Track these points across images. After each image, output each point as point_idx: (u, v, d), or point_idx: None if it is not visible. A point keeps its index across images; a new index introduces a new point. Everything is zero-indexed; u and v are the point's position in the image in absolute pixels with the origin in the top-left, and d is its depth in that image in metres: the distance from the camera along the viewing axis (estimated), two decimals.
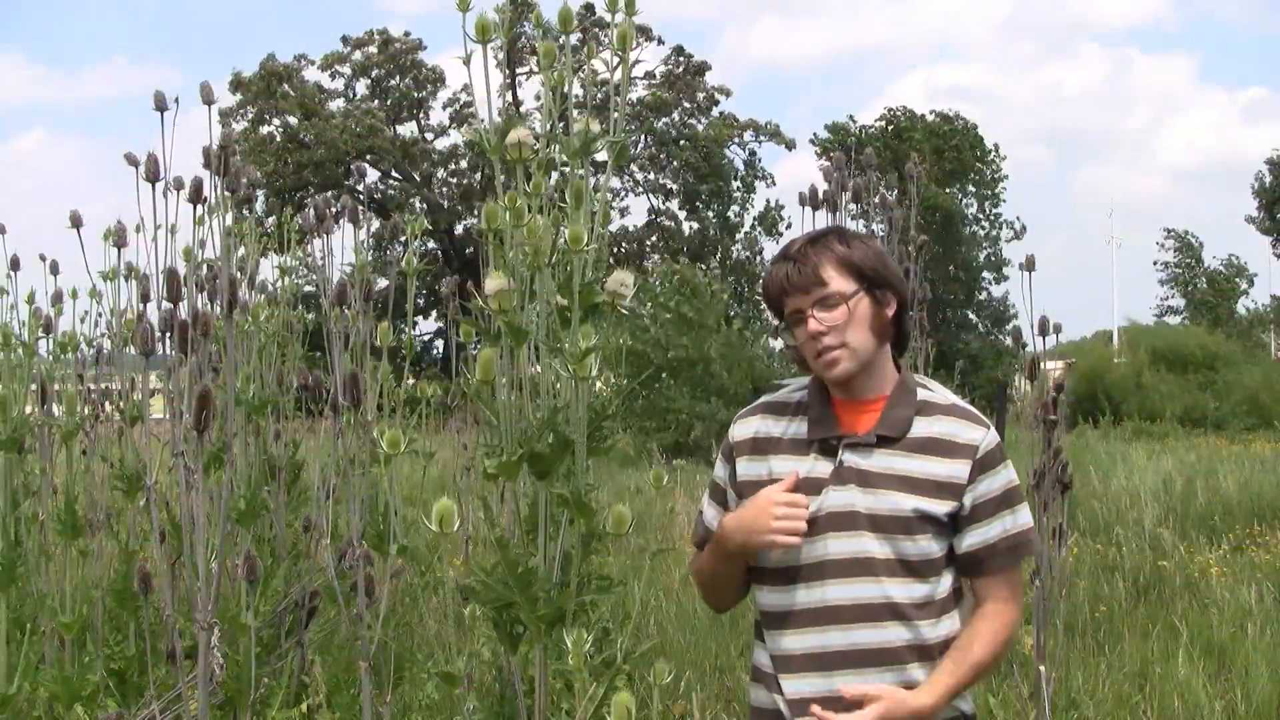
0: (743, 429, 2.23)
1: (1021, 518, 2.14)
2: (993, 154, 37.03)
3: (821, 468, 2.12)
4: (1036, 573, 3.70)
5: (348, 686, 3.75)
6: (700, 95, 38.72)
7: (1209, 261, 41.77)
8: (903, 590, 2.07)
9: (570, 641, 2.11)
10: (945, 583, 2.12)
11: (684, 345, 18.40)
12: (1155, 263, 42.66)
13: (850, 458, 2.11)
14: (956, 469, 2.09)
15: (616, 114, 2.30)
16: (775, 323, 2.21)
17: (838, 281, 2.09)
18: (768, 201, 39.16)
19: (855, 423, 2.14)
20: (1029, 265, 3.99)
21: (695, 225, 38.67)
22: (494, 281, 2.22)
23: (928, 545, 2.08)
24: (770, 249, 38.93)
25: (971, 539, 2.11)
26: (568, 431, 2.21)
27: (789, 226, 38.56)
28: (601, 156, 2.36)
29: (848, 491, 2.09)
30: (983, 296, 36.41)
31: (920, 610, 2.08)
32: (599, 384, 2.40)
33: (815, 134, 38.07)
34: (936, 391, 2.19)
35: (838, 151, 4.20)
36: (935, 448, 2.10)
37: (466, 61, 2.29)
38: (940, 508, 2.08)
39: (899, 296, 2.16)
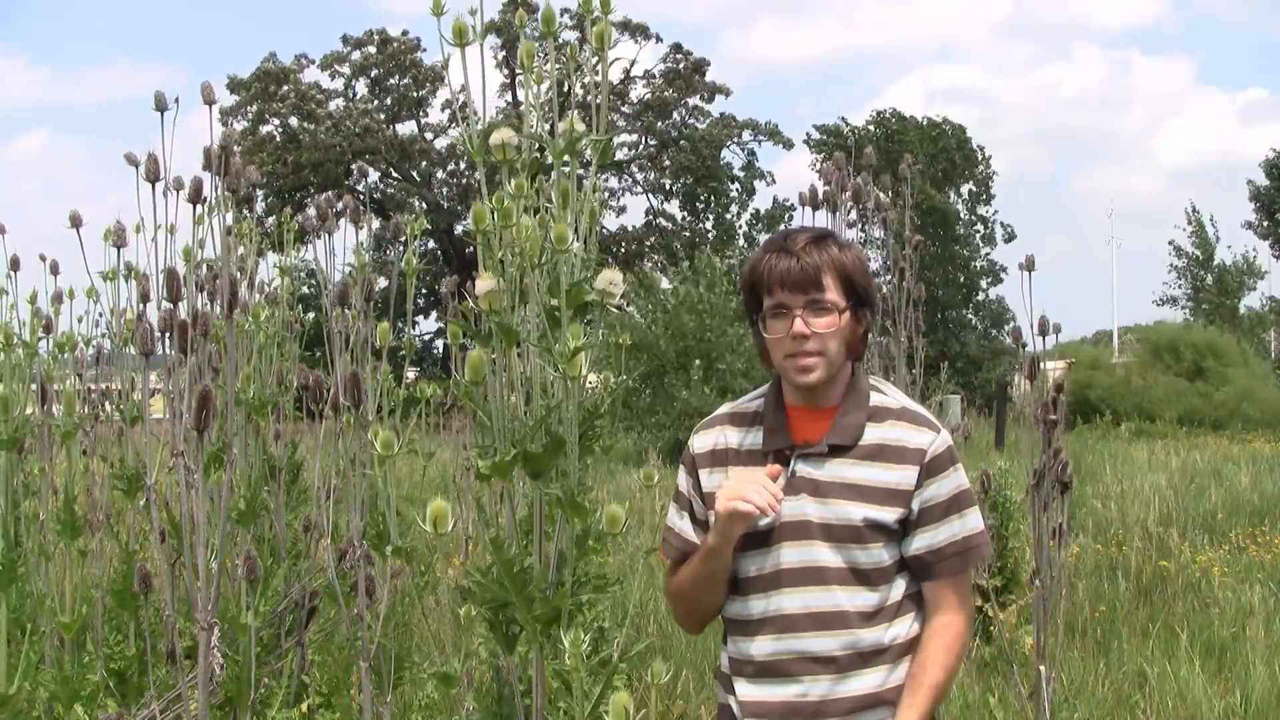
0: (703, 441, 2.23)
1: (970, 522, 2.14)
2: (979, 154, 37.25)
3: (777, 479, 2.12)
4: (1036, 573, 3.70)
5: (348, 687, 3.76)
6: (700, 94, 38.78)
7: (1223, 256, 41.34)
8: (853, 599, 2.09)
9: (568, 641, 2.12)
10: (898, 588, 2.13)
11: (690, 333, 18.38)
12: (1170, 242, 41.95)
13: (803, 467, 2.12)
14: (905, 475, 2.09)
15: (601, 111, 2.30)
16: (748, 311, 2.18)
17: (833, 291, 2.09)
18: (774, 199, 39.32)
19: (809, 431, 2.14)
20: (1028, 265, 3.99)
21: (694, 227, 38.76)
22: (483, 282, 2.22)
23: (879, 554, 2.09)
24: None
25: (919, 543, 2.11)
26: (561, 431, 2.21)
27: (790, 220, 38.77)
28: (590, 155, 2.36)
29: (800, 501, 2.10)
30: (981, 298, 36.63)
31: (870, 618, 2.10)
32: (594, 382, 2.40)
33: (809, 134, 38.22)
34: (889, 395, 2.19)
35: (838, 152, 4.21)
36: (886, 454, 2.11)
37: (444, 66, 2.29)
38: (890, 515, 2.09)
39: (873, 314, 2.18)
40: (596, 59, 2.30)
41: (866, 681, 2.09)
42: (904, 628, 2.13)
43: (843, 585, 2.09)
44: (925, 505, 2.10)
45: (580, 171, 2.31)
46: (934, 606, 2.14)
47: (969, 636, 2.17)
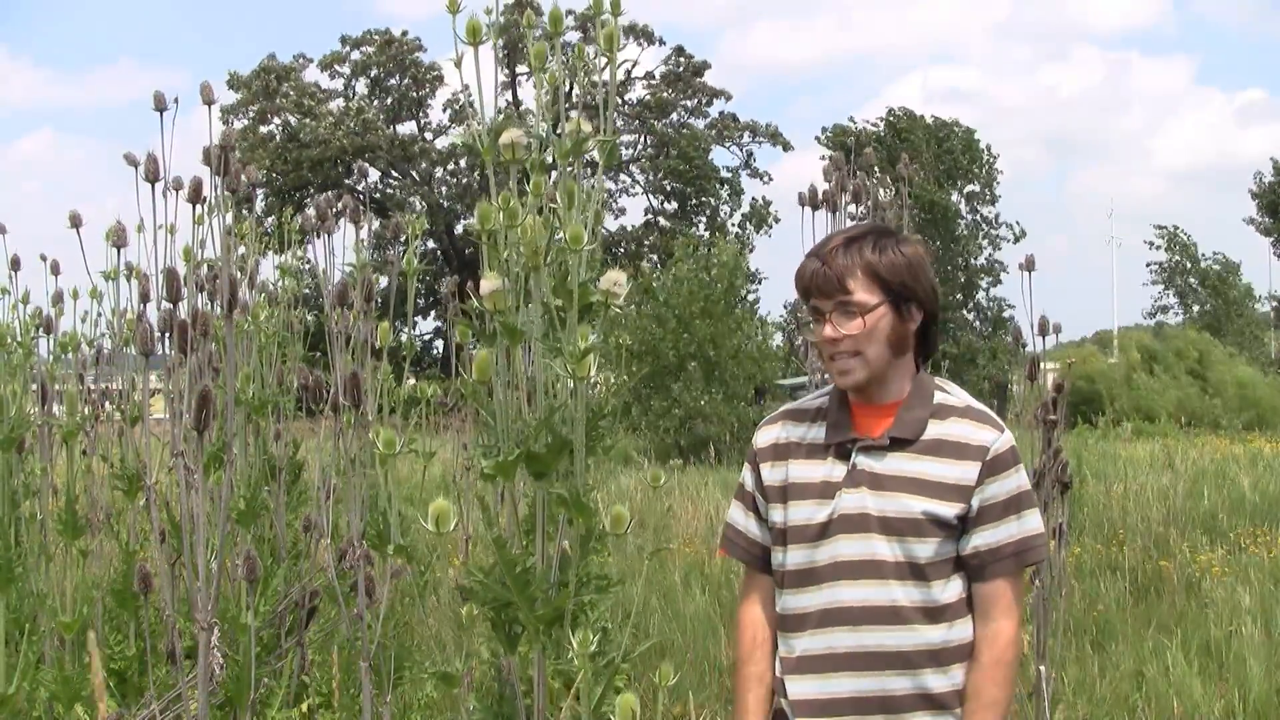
0: (765, 436, 2.26)
1: (1029, 523, 2.12)
2: (986, 154, 37.32)
3: (837, 471, 2.13)
4: (1036, 573, 3.69)
5: (348, 686, 3.75)
6: (698, 99, 38.89)
7: (1203, 261, 41.91)
8: (909, 593, 2.08)
9: (576, 642, 2.10)
10: (955, 587, 2.11)
11: (690, 334, 18.44)
12: (1148, 264, 42.92)
13: (863, 460, 2.12)
14: (966, 471, 2.08)
15: (607, 113, 2.30)
16: (801, 314, 2.26)
17: (861, 292, 2.08)
18: (753, 200, 39.83)
19: (872, 426, 2.15)
20: (1028, 265, 3.99)
21: (685, 230, 38.93)
22: (489, 282, 2.22)
23: (936, 548, 2.08)
24: (762, 245, 39.54)
25: (977, 540, 2.10)
26: (565, 431, 2.21)
27: (778, 220, 39.29)
28: (594, 156, 2.36)
29: (859, 494, 2.10)
30: (981, 298, 36.69)
31: (927, 614, 2.08)
32: (598, 383, 2.40)
33: (822, 128, 38.32)
34: (953, 394, 2.19)
35: (837, 152, 4.20)
36: (947, 449, 2.10)
37: (458, 64, 2.28)
38: (949, 510, 2.07)
39: (927, 309, 2.15)
40: (605, 61, 2.30)
41: (921, 682, 2.07)
42: (962, 631, 2.10)
43: (899, 580, 2.07)
44: (985, 503, 2.09)
45: (573, 171, 2.30)
46: (985, 610, 2.11)
47: (1020, 640, 2.14)
